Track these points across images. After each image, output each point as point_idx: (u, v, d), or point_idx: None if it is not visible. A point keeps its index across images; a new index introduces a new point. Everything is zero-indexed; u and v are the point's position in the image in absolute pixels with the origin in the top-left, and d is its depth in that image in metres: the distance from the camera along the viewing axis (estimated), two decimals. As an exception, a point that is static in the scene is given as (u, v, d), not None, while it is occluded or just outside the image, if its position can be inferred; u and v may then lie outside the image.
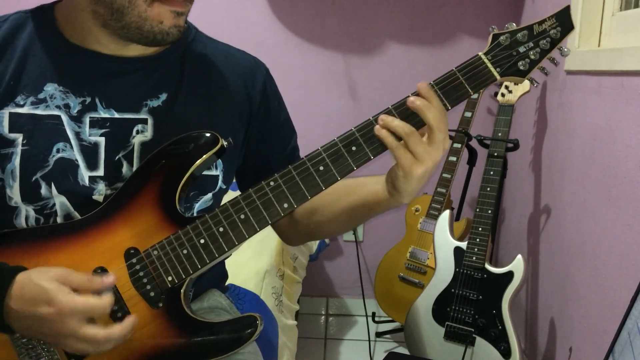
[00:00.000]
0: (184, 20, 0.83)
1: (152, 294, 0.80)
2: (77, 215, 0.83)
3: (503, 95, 1.78)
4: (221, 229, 0.80)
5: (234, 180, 1.02)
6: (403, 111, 0.77)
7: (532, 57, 0.79)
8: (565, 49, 0.81)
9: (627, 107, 1.26)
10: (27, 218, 0.83)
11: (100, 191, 0.84)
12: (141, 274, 0.80)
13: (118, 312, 0.79)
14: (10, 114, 0.81)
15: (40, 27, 0.85)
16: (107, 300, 0.73)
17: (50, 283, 0.70)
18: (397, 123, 0.75)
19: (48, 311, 0.70)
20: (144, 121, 0.86)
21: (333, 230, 0.97)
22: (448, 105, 0.78)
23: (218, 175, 0.92)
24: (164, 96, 0.88)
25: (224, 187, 0.94)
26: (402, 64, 2.28)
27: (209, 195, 0.91)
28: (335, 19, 2.25)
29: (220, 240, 0.80)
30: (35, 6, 0.88)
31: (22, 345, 0.77)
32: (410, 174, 0.76)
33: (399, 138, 0.76)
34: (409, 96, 0.77)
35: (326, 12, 2.25)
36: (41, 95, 0.83)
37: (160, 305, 0.80)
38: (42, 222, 0.83)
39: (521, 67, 0.79)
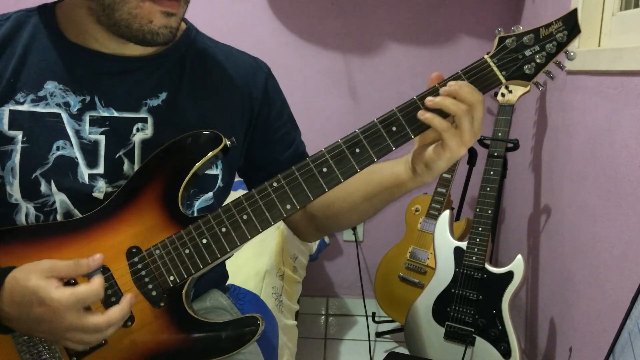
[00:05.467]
0: (175, 21, 0.82)
1: (153, 293, 0.80)
2: (77, 213, 0.83)
3: (503, 95, 1.79)
4: (223, 229, 0.80)
5: (242, 181, 1.03)
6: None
7: (538, 60, 0.78)
8: (572, 53, 0.80)
9: (627, 107, 1.26)
10: (27, 215, 0.83)
11: (100, 188, 0.84)
12: (143, 273, 0.80)
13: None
14: (11, 111, 0.82)
15: (41, 26, 0.85)
16: (97, 284, 0.72)
17: (38, 281, 0.70)
18: (450, 101, 0.74)
19: (42, 310, 0.70)
20: (144, 120, 0.86)
21: (353, 220, 0.95)
22: None
23: (218, 175, 0.92)
24: (163, 95, 0.88)
25: (222, 185, 0.94)
26: (403, 64, 2.28)
27: (210, 194, 0.91)
28: (335, 19, 2.25)
29: (223, 240, 0.80)
30: (38, 5, 0.88)
31: (23, 343, 0.77)
32: (458, 155, 0.76)
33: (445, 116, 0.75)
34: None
35: (326, 12, 2.25)
36: (41, 93, 0.83)
37: (162, 304, 0.80)
38: (42, 219, 0.83)
39: (527, 71, 0.78)
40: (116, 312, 0.73)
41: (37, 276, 0.71)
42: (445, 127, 0.75)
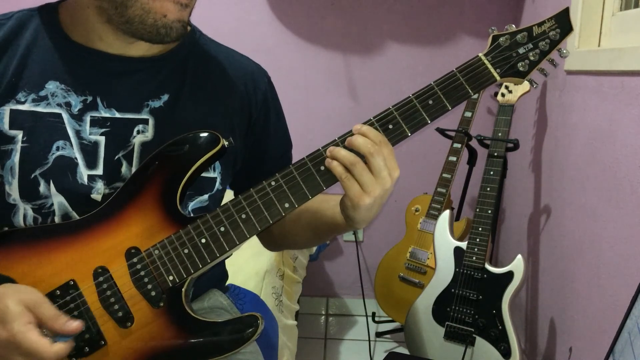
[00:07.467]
0: (187, 14, 0.83)
1: (153, 293, 0.80)
2: (74, 216, 0.83)
3: (503, 95, 1.79)
4: (222, 229, 0.80)
5: None
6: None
7: (532, 58, 0.80)
8: (564, 51, 0.82)
9: (627, 107, 1.26)
10: (25, 216, 0.83)
11: (99, 190, 0.84)
12: (142, 273, 0.80)
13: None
14: (11, 110, 0.82)
15: (43, 25, 0.85)
16: (57, 349, 0.69)
17: (17, 306, 0.69)
18: (342, 153, 0.76)
19: (1, 333, 0.69)
20: (145, 121, 0.86)
21: (299, 243, 0.99)
22: (448, 105, 0.78)
23: (216, 178, 0.92)
24: (165, 97, 0.88)
25: (221, 188, 0.94)
26: (402, 64, 2.28)
27: (205, 196, 0.91)
28: (335, 19, 2.25)
29: (222, 239, 0.80)
30: (40, 4, 0.88)
31: None
32: (358, 205, 0.76)
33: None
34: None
35: (326, 12, 2.25)
36: (42, 93, 0.83)
37: (161, 304, 0.80)
38: (39, 221, 0.83)
39: (521, 68, 0.80)
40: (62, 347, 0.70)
41: (20, 301, 0.70)
42: (343, 176, 0.76)
